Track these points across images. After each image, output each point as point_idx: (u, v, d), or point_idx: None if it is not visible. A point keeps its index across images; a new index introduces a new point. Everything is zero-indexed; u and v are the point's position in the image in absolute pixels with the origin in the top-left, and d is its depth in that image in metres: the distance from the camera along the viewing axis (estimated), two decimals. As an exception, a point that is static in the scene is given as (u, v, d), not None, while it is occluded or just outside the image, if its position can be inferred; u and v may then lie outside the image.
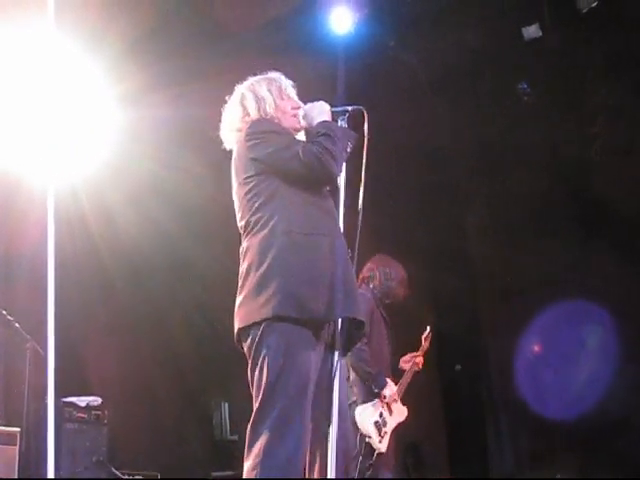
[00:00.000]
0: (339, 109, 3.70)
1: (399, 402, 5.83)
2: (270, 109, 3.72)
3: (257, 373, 3.36)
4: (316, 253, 3.40)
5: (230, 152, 3.88)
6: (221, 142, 4.05)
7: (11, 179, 6.39)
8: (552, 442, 8.92)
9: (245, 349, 3.46)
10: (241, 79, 4.05)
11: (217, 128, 4.02)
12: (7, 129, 5.71)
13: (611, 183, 8.34)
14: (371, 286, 5.92)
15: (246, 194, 3.53)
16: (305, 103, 3.84)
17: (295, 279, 3.29)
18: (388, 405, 5.67)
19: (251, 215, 3.50)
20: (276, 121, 3.67)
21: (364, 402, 5.60)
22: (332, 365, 3.43)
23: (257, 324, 3.32)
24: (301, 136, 3.78)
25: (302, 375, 3.27)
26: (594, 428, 8.25)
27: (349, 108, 3.73)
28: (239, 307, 3.47)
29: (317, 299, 3.28)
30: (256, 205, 3.48)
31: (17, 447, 6.59)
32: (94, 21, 6.08)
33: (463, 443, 9.69)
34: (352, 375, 5.58)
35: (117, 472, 7.46)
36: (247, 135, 3.56)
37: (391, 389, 5.67)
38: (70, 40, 5.41)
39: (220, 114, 4.00)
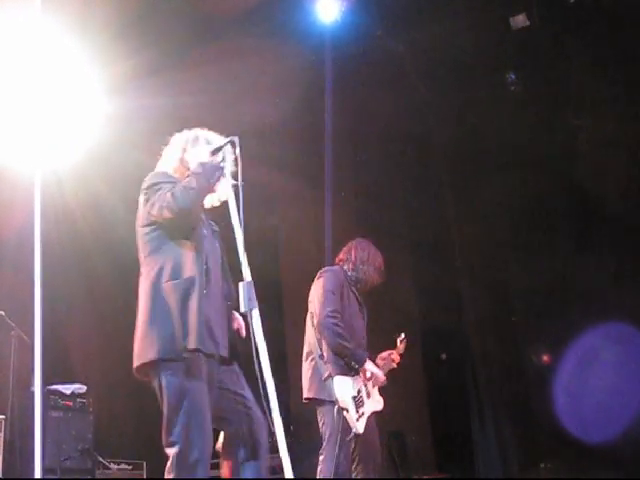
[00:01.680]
0: (215, 147, 4.08)
1: (377, 390, 5.78)
2: (169, 160, 4.32)
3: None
4: (180, 298, 3.79)
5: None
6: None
7: (-3, 166, 6.36)
8: (536, 430, 8.98)
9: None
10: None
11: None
12: (-8, 116, 5.68)
13: (596, 175, 8.37)
14: (345, 267, 5.88)
15: (141, 242, 4.04)
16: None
17: (168, 323, 3.74)
18: (367, 386, 5.60)
19: (142, 262, 3.99)
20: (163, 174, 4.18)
21: (341, 375, 5.51)
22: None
23: (149, 364, 3.82)
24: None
25: (196, 401, 3.80)
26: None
27: (223, 142, 4.09)
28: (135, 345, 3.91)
29: (187, 338, 3.73)
30: (144, 254, 3.98)
31: (2, 435, 6.59)
32: (80, 8, 6.03)
33: (448, 431, 9.73)
34: (325, 350, 5.49)
35: (103, 460, 7.46)
36: (141, 191, 4.08)
37: (373, 366, 5.60)
38: (56, 27, 5.36)
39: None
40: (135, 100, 6.82)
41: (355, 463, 5.48)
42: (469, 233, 9.72)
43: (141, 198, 4.03)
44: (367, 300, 5.95)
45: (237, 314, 4.23)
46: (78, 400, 7.51)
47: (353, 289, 5.81)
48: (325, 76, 8.15)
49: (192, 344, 3.72)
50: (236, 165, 3.98)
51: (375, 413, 5.65)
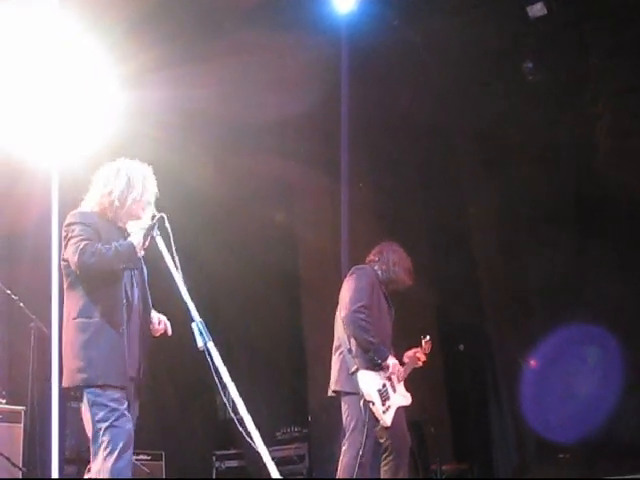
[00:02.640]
0: (146, 226, 4.25)
1: (402, 385, 5.84)
2: (121, 199, 4.38)
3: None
4: (93, 334, 4.05)
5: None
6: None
7: (15, 160, 6.38)
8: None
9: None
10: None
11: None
12: (11, 111, 5.70)
13: (613, 164, 8.31)
14: (376, 268, 5.95)
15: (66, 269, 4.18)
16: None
17: (84, 356, 4.03)
18: (391, 380, 5.68)
19: (65, 285, 4.19)
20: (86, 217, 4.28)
21: (367, 369, 5.60)
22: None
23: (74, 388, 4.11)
24: None
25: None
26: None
27: (154, 217, 4.29)
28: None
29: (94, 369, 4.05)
30: (70, 280, 4.15)
31: (22, 425, 6.64)
32: (96, 2, 6.05)
33: (466, 422, 9.73)
34: (353, 345, 5.57)
35: (121, 450, 7.50)
36: (65, 224, 4.24)
37: (395, 362, 5.66)
38: (72, 22, 5.39)
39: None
40: (152, 93, 6.83)
41: (387, 453, 5.59)
42: (487, 226, 9.69)
43: (63, 230, 4.16)
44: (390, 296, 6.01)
45: (155, 318, 4.61)
46: (97, 391, 7.55)
47: (383, 289, 5.87)
48: (341, 68, 8.13)
49: (99, 380, 4.02)
50: (169, 239, 4.24)
51: (403, 407, 5.73)
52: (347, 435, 5.46)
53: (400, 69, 8.73)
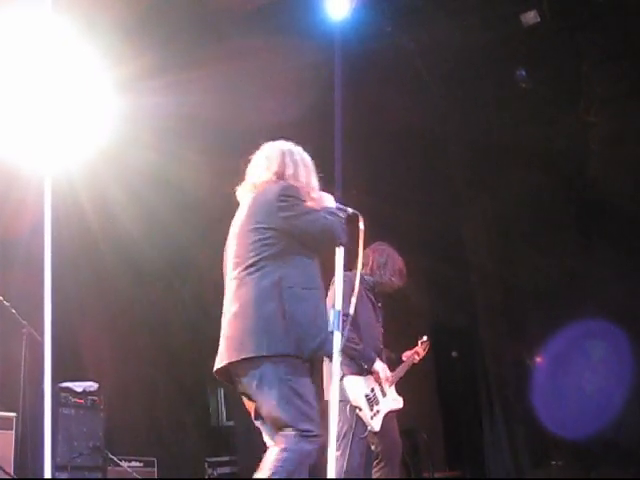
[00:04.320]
0: (341, 206, 4.26)
1: (394, 389, 5.83)
2: (302, 178, 4.29)
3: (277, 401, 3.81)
4: (312, 302, 3.97)
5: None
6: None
7: (8, 165, 6.37)
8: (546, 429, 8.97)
9: (246, 378, 3.88)
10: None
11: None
12: (4, 115, 5.69)
13: (607, 172, 8.34)
14: (362, 271, 5.92)
15: (257, 240, 4.02)
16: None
17: (295, 324, 3.83)
18: (381, 384, 5.66)
19: (255, 260, 3.99)
20: (301, 190, 4.18)
21: (353, 375, 5.58)
22: None
23: (265, 357, 3.80)
24: None
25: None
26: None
27: (349, 210, 4.26)
28: (237, 339, 3.90)
29: (313, 339, 3.88)
30: (264, 254, 3.98)
31: (13, 432, 6.62)
32: (91, 6, 6.05)
33: (459, 429, 9.73)
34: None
35: (114, 457, 7.49)
36: (280, 195, 4.05)
37: (383, 366, 5.65)
38: (67, 26, 5.38)
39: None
40: (145, 99, 6.83)
41: (378, 459, 5.58)
42: (481, 231, 9.71)
43: (275, 203, 4.04)
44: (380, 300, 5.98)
45: None
46: (89, 398, 7.54)
47: (369, 294, 5.85)
48: (335, 74, 8.13)
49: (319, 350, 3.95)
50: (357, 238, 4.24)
51: (394, 412, 5.71)
52: (339, 442, 5.45)
53: (393, 75, 8.73)
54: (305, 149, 4.41)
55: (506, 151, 9.22)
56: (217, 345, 4.03)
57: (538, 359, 9.46)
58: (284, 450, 3.69)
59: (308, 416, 3.78)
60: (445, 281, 9.54)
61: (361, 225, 4.23)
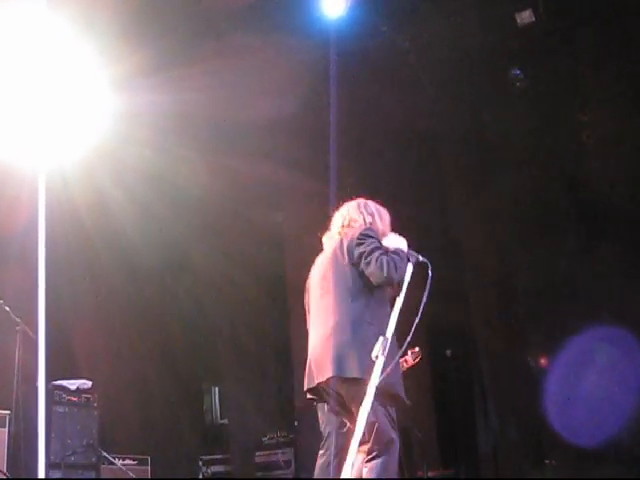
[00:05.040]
0: (413, 252, 4.53)
1: None
2: (379, 226, 4.82)
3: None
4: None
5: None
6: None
7: (2, 162, 6.35)
8: (539, 425, 8.98)
9: (346, 392, 4.38)
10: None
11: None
12: (-2, 112, 5.68)
13: (603, 171, 8.35)
14: None
15: (357, 275, 4.50)
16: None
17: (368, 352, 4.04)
18: None
19: (351, 288, 4.49)
20: (377, 232, 4.71)
21: None
22: None
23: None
24: None
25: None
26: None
27: (420, 257, 4.50)
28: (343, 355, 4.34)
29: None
30: (359, 287, 4.47)
31: (6, 430, 6.60)
32: (86, 4, 6.03)
33: (453, 428, 9.73)
34: None
35: (107, 455, 7.48)
36: (360, 234, 4.57)
37: None
38: (62, 23, 5.36)
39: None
40: (140, 96, 6.82)
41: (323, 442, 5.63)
42: (475, 231, 9.71)
43: (355, 240, 4.54)
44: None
45: None
46: (83, 396, 7.54)
47: None
48: (330, 72, 8.13)
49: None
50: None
51: None
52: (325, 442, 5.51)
53: (388, 74, 8.73)
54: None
55: (501, 150, 9.23)
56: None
57: (543, 361, 9.45)
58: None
59: None
60: (439, 279, 9.51)
61: (429, 272, 4.43)
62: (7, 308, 6.56)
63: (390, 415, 4.44)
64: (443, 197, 9.87)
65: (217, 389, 10.10)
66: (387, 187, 9.63)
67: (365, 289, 4.45)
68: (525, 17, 8.16)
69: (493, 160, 9.40)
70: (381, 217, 4.91)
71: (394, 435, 4.38)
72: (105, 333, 8.30)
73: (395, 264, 4.34)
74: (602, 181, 8.48)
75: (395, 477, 4.32)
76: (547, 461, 8.92)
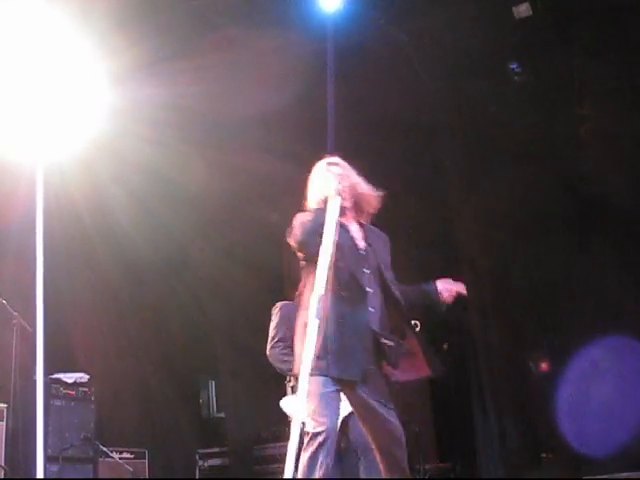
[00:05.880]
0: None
1: None
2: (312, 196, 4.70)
3: None
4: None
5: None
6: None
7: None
8: (538, 421, 9.00)
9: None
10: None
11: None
12: (-4, 106, 5.67)
13: (602, 166, 8.35)
14: None
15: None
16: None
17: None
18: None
19: None
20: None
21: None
22: None
23: None
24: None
25: None
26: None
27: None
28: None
29: None
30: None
31: (4, 423, 6.61)
32: (82, -1, 6.03)
33: (450, 422, 9.75)
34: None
35: (105, 448, 7.49)
36: None
37: None
38: (59, 17, 5.35)
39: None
40: (137, 90, 6.80)
41: (358, 454, 5.64)
42: (473, 226, 9.71)
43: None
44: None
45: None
46: (80, 389, 7.54)
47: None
48: (327, 65, 8.11)
49: None
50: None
51: None
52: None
53: (386, 67, 8.71)
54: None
55: (498, 143, 9.22)
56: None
57: (544, 365, 9.47)
58: None
59: None
60: (435, 274, 9.52)
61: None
62: (4, 301, 6.56)
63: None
64: (442, 192, 9.86)
65: (214, 382, 10.10)
66: (384, 181, 9.62)
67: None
68: (522, 11, 8.15)
69: (492, 154, 9.39)
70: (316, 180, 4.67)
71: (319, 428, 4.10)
72: (103, 327, 8.30)
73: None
74: (603, 175, 8.47)
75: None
76: (544, 455, 8.95)
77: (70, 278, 7.61)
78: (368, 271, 4.34)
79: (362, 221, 4.62)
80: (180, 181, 8.05)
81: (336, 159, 4.66)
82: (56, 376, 7.39)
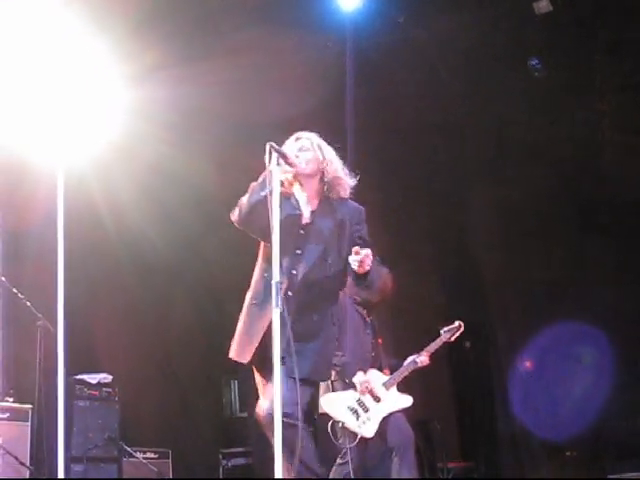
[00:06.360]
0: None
1: (394, 391, 5.88)
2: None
3: None
4: None
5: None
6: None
7: (20, 159, 6.39)
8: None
9: None
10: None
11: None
12: (16, 109, 5.72)
13: (622, 161, 8.30)
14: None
15: None
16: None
17: None
18: (370, 392, 5.74)
19: None
20: None
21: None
22: None
23: None
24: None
25: None
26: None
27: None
28: None
29: None
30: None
31: (29, 424, 6.66)
32: (99, 1, 6.06)
33: (472, 420, 9.73)
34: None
35: (128, 449, 7.54)
36: None
37: (363, 379, 5.74)
38: (76, 20, 5.40)
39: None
40: (156, 92, 6.83)
41: (393, 454, 5.72)
42: (492, 224, 9.69)
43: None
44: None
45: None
46: (104, 389, 7.58)
47: (357, 307, 5.93)
48: (347, 66, 8.12)
49: None
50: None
51: (400, 410, 5.80)
52: None
53: (406, 67, 8.71)
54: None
55: (518, 142, 9.19)
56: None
57: (527, 364, 9.46)
58: None
59: None
60: (455, 273, 9.53)
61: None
62: (28, 303, 6.61)
63: None
64: (460, 191, 9.82)
65: (236, 382, 10.12)
66: (403, 182, 9.62)
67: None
68: (543, 7, 8.12)
69: (511, 152, 9.36)
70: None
71: None
72: (124, 327, 8.35)
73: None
74: (622, 170, 8.42)
75: None
76: (568, 453, 8.91)
77: (90, 279, 7.65)
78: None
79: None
80: (196, 182, 8.08)
81: (309, 133, 4.35)
82: (80, 377, 7.44)
